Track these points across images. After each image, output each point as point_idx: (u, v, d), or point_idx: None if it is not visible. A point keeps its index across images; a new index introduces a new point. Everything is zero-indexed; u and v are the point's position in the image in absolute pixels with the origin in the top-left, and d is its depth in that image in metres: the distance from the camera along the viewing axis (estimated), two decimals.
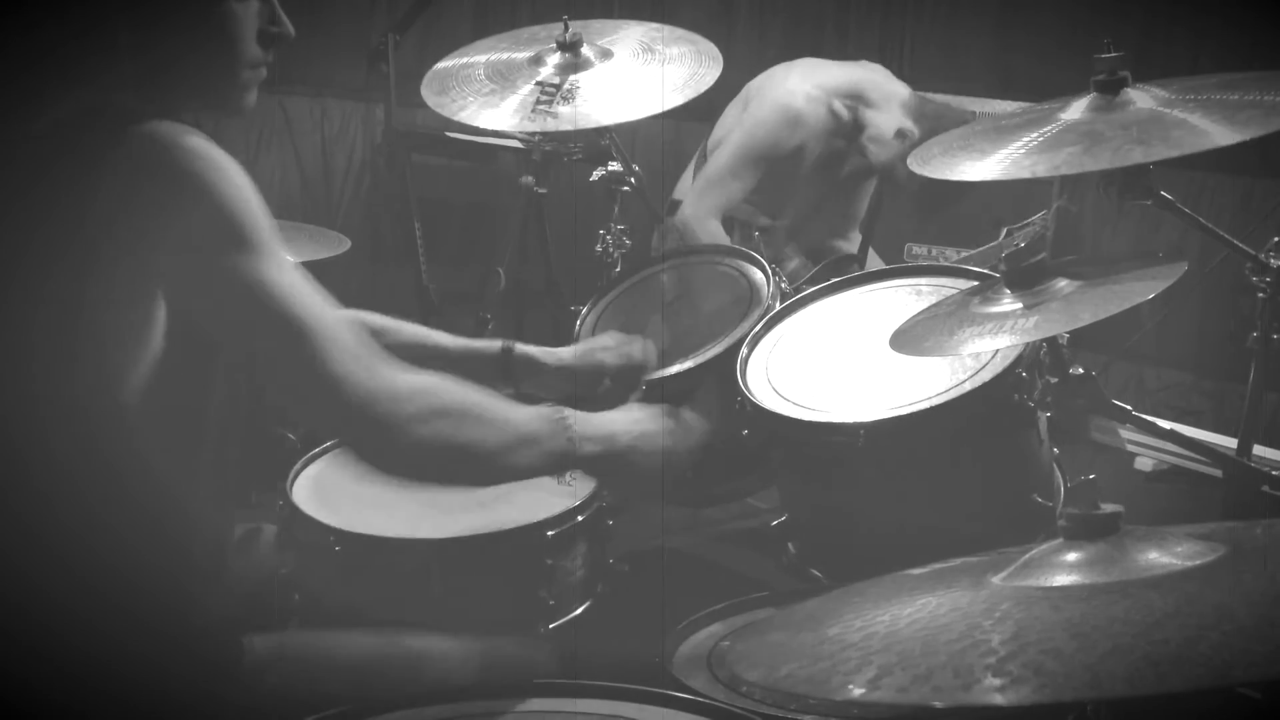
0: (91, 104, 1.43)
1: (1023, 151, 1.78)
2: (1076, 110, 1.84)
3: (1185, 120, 1.72)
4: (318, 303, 1.44)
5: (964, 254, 3.48)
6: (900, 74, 4.70)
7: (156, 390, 1.39)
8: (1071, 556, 1.16)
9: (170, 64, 1.48)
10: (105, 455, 1.39)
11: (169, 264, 1.36)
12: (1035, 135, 1.80)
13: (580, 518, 2.05)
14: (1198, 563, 1.12)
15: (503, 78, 2.38)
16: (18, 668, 1.39)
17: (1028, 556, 1.19)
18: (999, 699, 0.94)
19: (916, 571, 1.32)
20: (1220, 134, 1.67)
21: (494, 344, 1.99)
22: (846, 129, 3.30)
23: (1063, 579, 1.13)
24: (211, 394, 1.51)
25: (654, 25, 2.58)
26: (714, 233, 3.26)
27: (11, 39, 1.46)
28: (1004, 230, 3.52)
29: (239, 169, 1.41)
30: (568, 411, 1.67)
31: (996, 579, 1.18)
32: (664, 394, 2.39)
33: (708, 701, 1.43)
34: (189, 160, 1.37)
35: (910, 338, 1.93)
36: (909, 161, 1.93)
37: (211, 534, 1.55)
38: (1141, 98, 1.82)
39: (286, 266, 1.42)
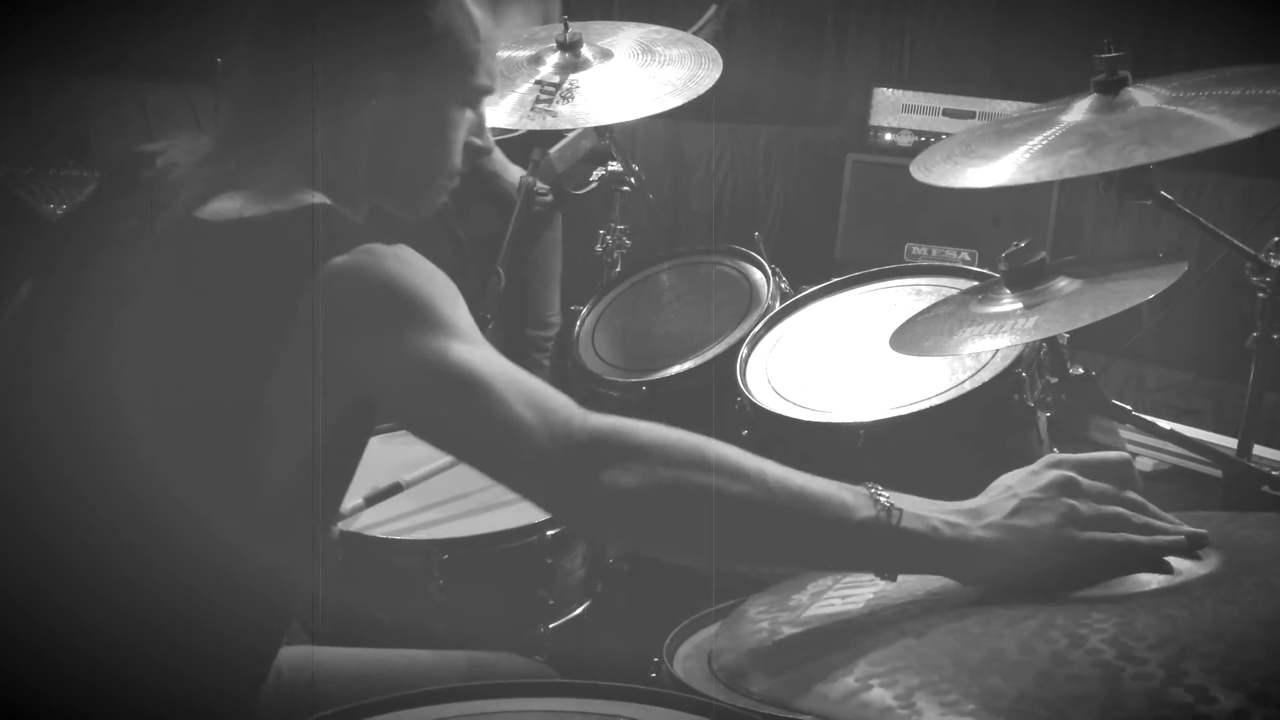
0: (311, 204, 1.39)
1: (1026, 156, 1.77)
2: (1078, 112, 1.83)
3: (1190, 118, 1.71)
4: (502, 364, 1.32)
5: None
6: (900, 74, 4.72)
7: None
8: None
9: (385, 164, 1.47)
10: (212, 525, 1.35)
11: (361, 357, 1.31)
12: (1038, 139, 1.79)
13: None
14: (1197, 575, 1.12)
15: (502, 76, 2.38)
16: (39, 679, 1.38)
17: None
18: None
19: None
20: (1225, 130, 1.66)
21: None
22: None
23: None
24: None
25: (653, 27, 2.58)
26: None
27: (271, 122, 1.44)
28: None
29: (440, 273, 1.37)
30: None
31: None
32: (666, 395, 2.39)
33: (708, 701, 1.43)
34: (399, 272, 1.33)
35: (910, 338, 1.93)
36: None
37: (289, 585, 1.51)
38: (1143, 96, 1.82)
39: (477, 342, 1.33)
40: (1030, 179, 1.72)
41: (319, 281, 1.30)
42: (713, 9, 3.66)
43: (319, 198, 1.40)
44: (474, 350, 1.31)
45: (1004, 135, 1.86)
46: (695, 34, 3.55)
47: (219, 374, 1.33)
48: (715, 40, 3.65)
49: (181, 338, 1.34)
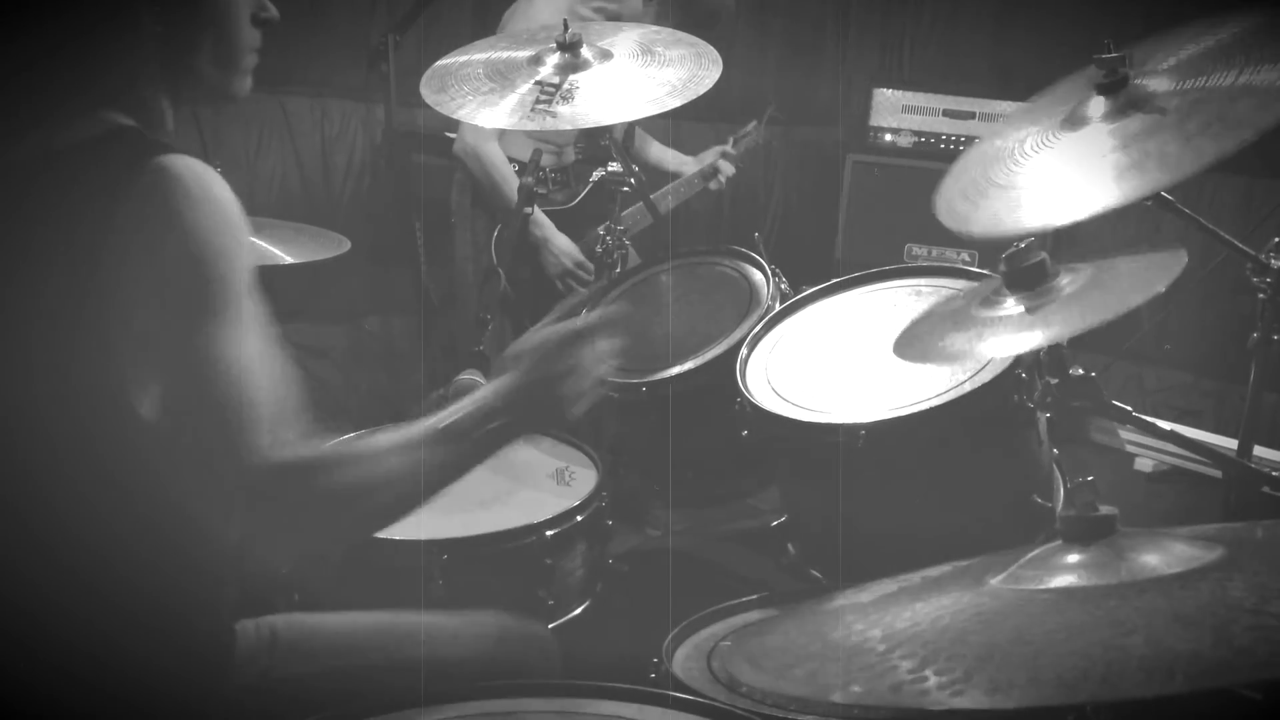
0: (116, 127, 1.45)
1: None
2: (1085, 118, 1.81)
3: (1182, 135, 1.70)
4: (266, 379, 1.38)
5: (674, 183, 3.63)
6: (900, 74, 4.72)
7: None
8: (1070, 559, 1.16)
9: (176, 57, 1.51)
10: (114, 463, 1.39)
11: (146, 317, 1.36)
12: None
13: (580, 518, 2.05)
14: (1195, 565, 1.12)
15: (502, 77, 2.38)
16: (7, 660, 1.40)
17: (1027, 557, 1.20)
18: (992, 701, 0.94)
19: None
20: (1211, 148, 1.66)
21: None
22: None
23: (1060, 581, 1.14)
24: None
25: (653, 28, 2.58)
26: (493, 155, 3.34)
27: (31, 49, 1.48)
28: (730, 139, 3.73)
29: (233, 210, 1.41)
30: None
31: (994, 580, 1.18)
32: (665, 395, 2.39)
33: (708, 701, 1.43)
34: (188, 200, 1.37)
35: (914, 342, 1.93)
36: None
37: (217, 538, 1.54)
38: (1143, 94, 1.80)
39: (249, 334, 1.38)
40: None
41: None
42: (753, 124, 3.73)
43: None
44: (245, 352, 1.36)
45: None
46: (736, 140, 3.66)
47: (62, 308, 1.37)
48: (754, 149, 3.74)
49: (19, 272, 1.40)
